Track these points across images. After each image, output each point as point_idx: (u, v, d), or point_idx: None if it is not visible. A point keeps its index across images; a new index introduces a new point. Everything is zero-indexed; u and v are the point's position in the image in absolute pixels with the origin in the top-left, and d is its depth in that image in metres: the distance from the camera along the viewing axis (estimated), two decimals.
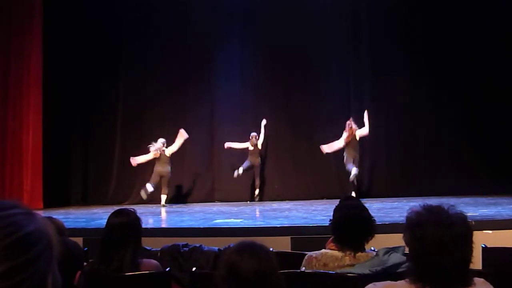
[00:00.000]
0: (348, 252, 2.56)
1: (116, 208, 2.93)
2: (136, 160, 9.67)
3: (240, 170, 9.83)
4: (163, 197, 9.54)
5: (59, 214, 7.37)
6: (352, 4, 10.64)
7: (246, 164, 9.91)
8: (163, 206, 9.41)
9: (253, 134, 9.95)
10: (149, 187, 9.46)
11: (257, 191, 9.97)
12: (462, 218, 1.57)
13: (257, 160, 10.00)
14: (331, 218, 2.69)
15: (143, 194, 9.53)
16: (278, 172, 10.48)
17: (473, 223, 5.23)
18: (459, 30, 9.98)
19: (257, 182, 10.02)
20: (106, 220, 2.75)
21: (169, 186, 9.74)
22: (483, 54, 9.87)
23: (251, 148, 9.95)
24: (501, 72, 9.78)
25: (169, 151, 9.60)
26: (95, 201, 10.26)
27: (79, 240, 4.47)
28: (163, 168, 9.55)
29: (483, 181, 9.29)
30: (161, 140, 9.59)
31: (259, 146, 10.01)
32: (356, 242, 2.58)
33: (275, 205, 9.20)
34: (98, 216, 7.57)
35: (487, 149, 9.66)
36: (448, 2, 10.05)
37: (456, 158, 9.88)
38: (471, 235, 1.55)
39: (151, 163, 9.75)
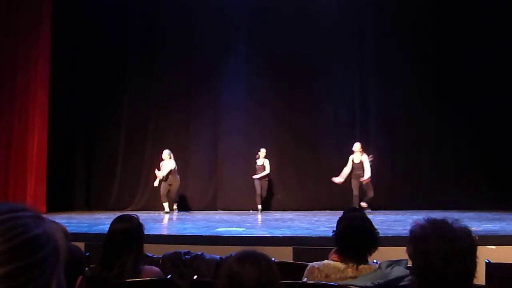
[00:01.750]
0: (350, 264, 2.54)
1: (118, 214, 2.93)
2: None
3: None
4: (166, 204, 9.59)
5: (61, 219, 7.36)
6: (358, 16, 10.66)
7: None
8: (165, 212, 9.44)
9: (263, 149, 9.95)
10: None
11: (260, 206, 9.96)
12: (466, 232, 1.56)
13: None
14: (335, 229, 2.68)
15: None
16: (281, 182, 10.47)
17: (477, 238, 5.21)
18: (468, 42, 9.95)
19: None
20: (108, 226, 2.75)
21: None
22: (490, 66, 9.85)
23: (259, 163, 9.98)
24: (508, 85, 9.76)
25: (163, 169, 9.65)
26: (98, 207, 10.28)
27: (81, 245, 4.47)
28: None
29: (487, 195, 9.25)
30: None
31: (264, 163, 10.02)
32: (359, 254, 2.56)
33: (278, 214, 9.19)
34: (101, 221, 7.58)
35: (493, 163, 9.63)
36: (457, 9, 10.02)
37: (460, 172, 9.84)
38: (475, 250, 1.54)
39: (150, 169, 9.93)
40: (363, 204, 9.33)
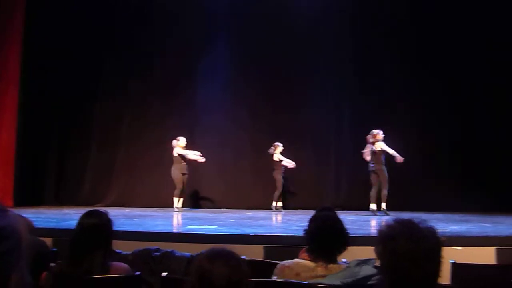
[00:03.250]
0: (320, 263, 2.57)
1: (89, 209, 2.89)
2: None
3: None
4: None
5: (29, 213, 7.22)
6: (338, 15, 10.69)
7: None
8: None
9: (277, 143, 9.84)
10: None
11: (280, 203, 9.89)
12: (432, 232, 1.59)
13: None
14: (306, 228, 2.70)
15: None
16: (254, 180, 10.48)
17: (444, 239, 5.33)
18: (452, 46, 10.06)
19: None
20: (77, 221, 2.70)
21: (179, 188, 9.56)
22: (473, 71, 9.98)
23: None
24: (486, 88, 9.94)
25: (176, 151, 9.53)
26: (68, 202, 10.13)
27: (48, 240, 4.39)
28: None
29: (455, 198, 9.43)
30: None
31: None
32: (329, 253, 2.59)
33: (251, 213, 9.20)
34: (70, 216, 7.45)
35: (464, 167, 9.83)
36: (437, 12, 10.13)
37: (429, 175, 9.99)
38: (441, 250, 1.58)
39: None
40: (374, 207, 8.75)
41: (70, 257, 2.59)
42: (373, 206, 8.81)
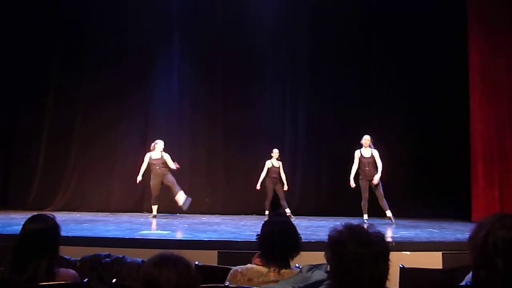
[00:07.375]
0: (272, 268, 2.57)
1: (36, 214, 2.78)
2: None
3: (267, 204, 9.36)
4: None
5: None
6: (292, 21, 10.80)
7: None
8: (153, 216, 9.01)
9: (275, 150, 9.60)
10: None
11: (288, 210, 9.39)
12: (380, 237, 1.63)
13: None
14: (258, 233, 2.70)
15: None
16: (210, 185, 10.43)
17: (393, 243, 5.47)
18: (406, 51, 10.32)
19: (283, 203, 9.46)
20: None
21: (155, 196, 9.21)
22: (422, 83, 10.31)
23: (275, 165, 9.54)
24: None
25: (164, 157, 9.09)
26: (15, 206, 9.72)
27: None
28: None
29: (404, 204, 9.68)
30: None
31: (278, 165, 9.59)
32: (281, 258, 2.60)
33: (205, 218, 9.15)
34: (16, 221, 7.17)
35: (410, 174, 10.12)
36: (394, 24, 10.42)
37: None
38: (388, 254, 1.62)
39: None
40: (389, 214, 8.31)
41: (13, 264, 2.48)
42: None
